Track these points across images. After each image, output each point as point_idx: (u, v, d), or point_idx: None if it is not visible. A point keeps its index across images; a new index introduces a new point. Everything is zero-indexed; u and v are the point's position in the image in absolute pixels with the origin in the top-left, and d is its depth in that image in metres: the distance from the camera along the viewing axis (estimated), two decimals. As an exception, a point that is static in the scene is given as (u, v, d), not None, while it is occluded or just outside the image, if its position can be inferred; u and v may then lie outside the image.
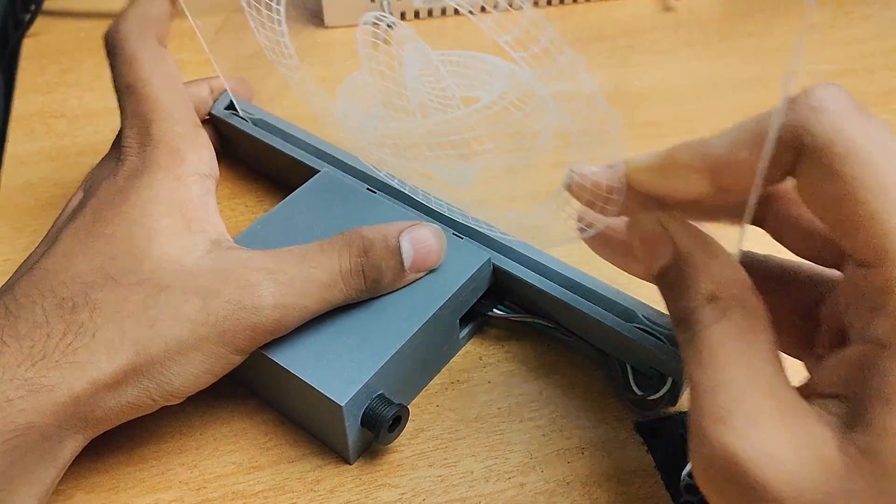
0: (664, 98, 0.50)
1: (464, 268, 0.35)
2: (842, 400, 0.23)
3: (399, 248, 0.32)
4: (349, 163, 0.40)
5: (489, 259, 0.35)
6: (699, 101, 0.50)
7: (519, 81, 0.34)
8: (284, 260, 0.31)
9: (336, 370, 0.31)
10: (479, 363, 0.36)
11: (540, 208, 0.32)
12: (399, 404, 0.32)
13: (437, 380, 0.36)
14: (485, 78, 0.36)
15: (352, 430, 0.31)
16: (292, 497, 0.32)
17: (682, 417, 0.34)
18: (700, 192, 0.26)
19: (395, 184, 0.38)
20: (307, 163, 0.41)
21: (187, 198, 0.32)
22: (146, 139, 0.33)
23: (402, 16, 0.56)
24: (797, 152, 0.23)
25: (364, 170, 0.39)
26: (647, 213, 0.27)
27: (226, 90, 0.44)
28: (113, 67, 0.35)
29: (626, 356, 0.34)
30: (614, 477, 0.32)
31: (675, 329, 0.26)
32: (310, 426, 0.34)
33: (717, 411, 0.23)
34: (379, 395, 0.32)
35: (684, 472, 0.33)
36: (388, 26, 0.36)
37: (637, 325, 0.33)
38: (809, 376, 0.26)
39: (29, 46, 0.55)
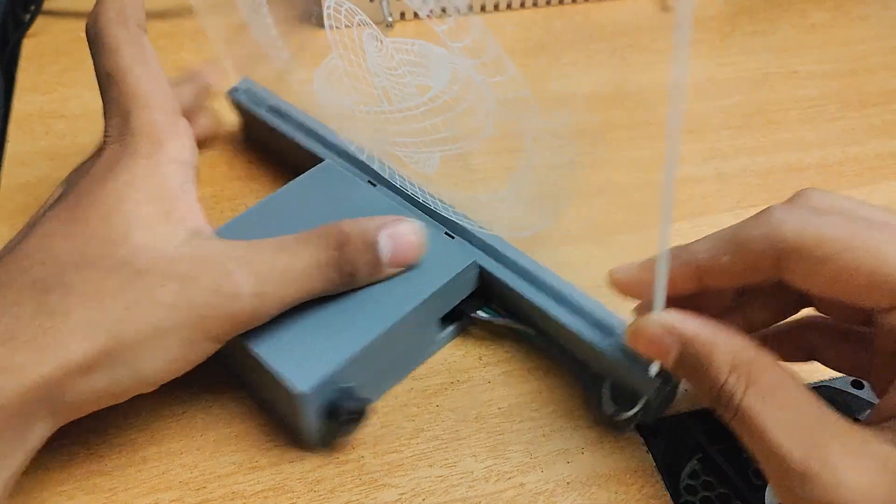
0: (665, 97, 0.50)
1: (447, 268, 0.35)
2: None
3: (377, 243, 0.32)
4: (355, 155, 0.40)
5: (475, 261, 0.35)
6: (700, 101, 0.50)
7: (459, 72, 0.34)
8: (263, 250, 0.31)
9: (302, 359, 0.32)
10: (479, 363, 0.36)
11: (497, 194, 0.32)
12: (363, 399, 0.32)
13: (436, 379, 0.36)
14: (433, 67, 0.36)
15: (313, 420, 0.32)
16: (292, 497, 0.32)
17: (682, 417, 0.34)
18: (687, 292, 0.29)
19: (396, 181, 0.38)
20: (314, 151, 0.41)
21: (166, 186, 0.32)
22: (125, 128, 0.33)
23: (402, 16, 0.56)
24: (777, 257, 0.27)
25: (368, 162, 0.39)
26: (641, 320, 0.29)
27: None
28: (94, 57, 0.34)
29: (602, 370, 0.33)
30: (614, 477, 0.32)
31: (717, 411, 0.27)
32: (276, 413, 0.34)
33: (795, 473, 0.25)
34: (344, 387, 0.32)
35: (684, 473, 0.33)
36: (348, 10, 0.36)
37: (615, 341, 0.32)
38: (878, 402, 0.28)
39: (29, 46, 0.55)
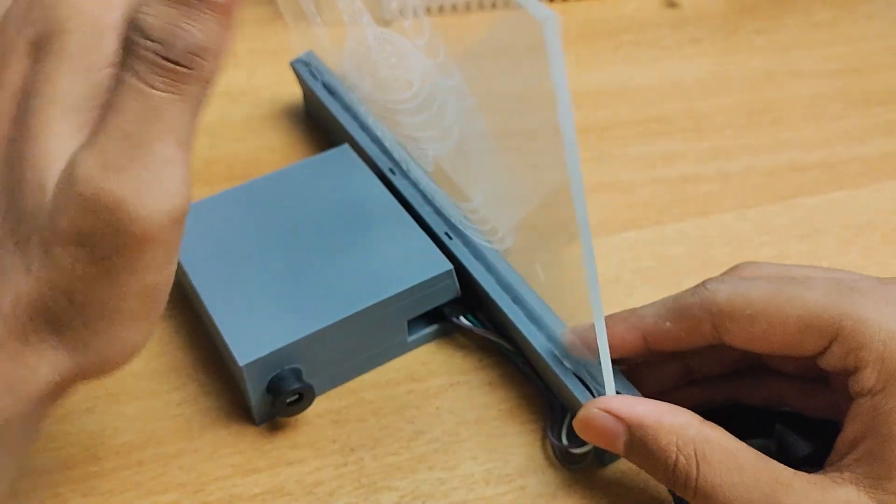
0: (669, 94, 0.50)
1: (418, 272, 0.34)
2: (861, 458, 0.26)
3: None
4: (382, 140, 0.40)
5: (451, 270, 0.35)
6: (704, 98, 0.50)
7: (426, 71, 0.34)
8: (128, 158, 0.22)
9: (253, 332, 0.32)
10: (479, 364, 0.36)
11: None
12: (307, 384, 0.32)
13: (436, 381, 0.35)
14: (411, 63, 0.36)
15: (255, 393, 0.32)
16: (291, 500, 0.32)
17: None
18: (634, 354, 0.31)
19: (410, 173, 0.39)
20: (351, 133, 0.41)
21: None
22: None
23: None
24: (713, 322, 0.29)
25: (391, 150, 0.39)
26: (585, 409, 0.30)
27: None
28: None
29: (562, 398, 0.33)
30: (614, 478, 0.32)
31: (676, 492, 0.28)
32: (232, 378, 0.35)
33: None
34: (291, 368, 0.32)
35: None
36: None
37: (576, 372, 0.31)
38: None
39: (28, 44, 0.54)
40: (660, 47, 0.53)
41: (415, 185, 0.38)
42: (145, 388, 0.35)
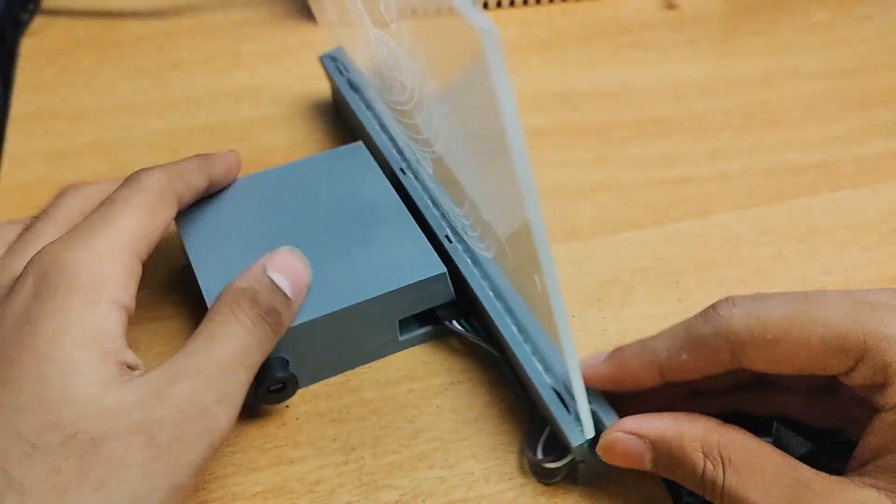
0: (668, 96, 0.50)
1: (411, 273, 0.34)
2: (883, 468, 0.26)
3: (274, 283, 0.31)
4: (396, 139, 0.40)
5: (444, 273, 0.35)
6: (703, 99, 0.50)
7: (414, 74, 0.34)
8: (198, 353, 0.29)
9: None
10: (480, 364, 0.36)
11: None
12: (290, 374, 0.33)
13: (437, 380, 0.36)
14: (403, 65, 0.36)
15: None
16: (292, 498, 0.32)
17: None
18: (650, 386, 0.30)
19: (420, 174, 0.39)
20: (368, 130, 0.42)
21: (104, 327, 0.28)
22: (76, 251, 0.30)
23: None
24: (731, 350, 0.28)
25: (403, 148, 0.40)
26: (605, 435, 0.30)
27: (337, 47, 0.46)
28: (119, 187, 0.33)
29: (541, 411, 0.32)
30: (615, 478, 0.32)
31: (706, 498, 0.28)
32: None
33: None
34: (276, 357, 0.33)
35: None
36: None
37: (555, 387, 0.31)
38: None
39: (27, 46, 0.54)
40: (658, 49, 0.54)
41: (423, 185, 0.38)
42: (146, 388, 0.35)
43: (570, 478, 0.32)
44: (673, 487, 0.32)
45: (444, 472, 0.33)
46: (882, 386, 0.26)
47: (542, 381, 0.32)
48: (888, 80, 0.51)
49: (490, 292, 0.34)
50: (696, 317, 0.29)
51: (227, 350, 0.29)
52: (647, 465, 0.29)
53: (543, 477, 0.32)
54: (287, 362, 0.33)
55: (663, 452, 0.29)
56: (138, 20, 0.56)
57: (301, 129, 0.48)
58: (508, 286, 0.34)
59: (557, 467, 0.31)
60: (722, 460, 0.27)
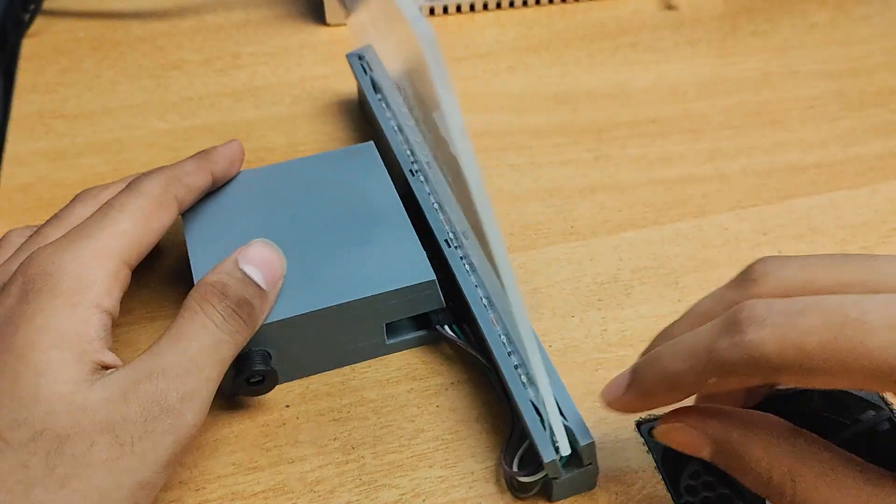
0: (667, 96, 0.50)
1: (399, 277, 0.34)
2: None
3: (247, 274, 0.31)
4: (410, 137, 0.41)
5: (433, 280, 0.35)
6: (702, 99, 0.50)
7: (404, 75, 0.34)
8: (164, 352, 0.29)
9: None
10: (480, 363, 0.36)
11: None
12: (270, 367, 0.33)
13: (437, 380, 0.36)
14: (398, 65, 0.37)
15: None
16: (292, 498, 0.32)
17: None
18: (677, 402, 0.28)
19: (429, 175, 0.39)
20: (384, 130, 0.42)
21: (82, 330, 0.29)
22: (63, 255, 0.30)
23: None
24: (764, 376, 0.25)
25: (420, 157, 0.40)
26: (665, 423, 0.28)
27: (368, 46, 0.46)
28: (118, 193, 0.33)
29: (521, 422, 0.32)
30: (614, 477, 0.32)
31: (770, 500, 0.27)
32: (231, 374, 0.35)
33: None
34: (258, 350, 0.33)
35: (685, 473, 0.32)
36: None
37: (536, 404, 0.31)
38: None
39: (28, 46, 0.55)
40: (657, 49, 0.54)
41: (432, 188, 0.38)
42: (147, 387, 0.35)
43: (545, 494, 0.32)
44: (674, 487, 0.32)
45: (444, 472, 0.33)
46: None
47: (522, 395, 0.31)
48: (887, 80, 0.51)
49: (483, 300, 0.34)
50: (719, 335, 0.25)
51: (194, 347, 0.29)
52: (706, 457, 0.28)
53: (517, 490, 0.32)
54: (269, 356, 0.33)
55: (726, 454, 0.27)
56: (139, 21, 0.56)
57: (301, 129, 0.48)
58: (502, 299, 0.34)
59: (531, 482, 0.31)
60: (792, 472, 0.26)
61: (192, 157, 0.37)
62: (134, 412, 0.27)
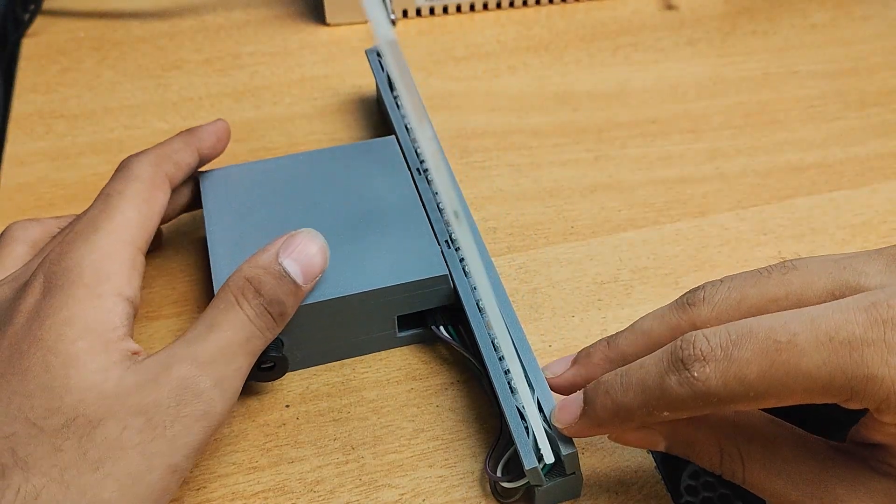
0: (667, 96, 0.50)
1: (412, 271, 0.35)
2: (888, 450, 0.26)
3: (285, 270, 0.32)
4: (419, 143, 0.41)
5: (446, 275, 0.35)
6: (702, 99, 0.50)
7: None
8: (197, 340, 0.30)
9: None
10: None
11: None
12: (281, 354, 0.33)
13: (437, 379, 0.36)
14: None
15: None
16: (292, 498, 0.32)
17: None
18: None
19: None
20: (395, 127, 0.42)
21: (107, 320, 0.29)
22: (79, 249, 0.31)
23: (405, 13, 0.56)
24: (715, 408, 0.26)
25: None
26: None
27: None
28: (112, 179, 0.34)
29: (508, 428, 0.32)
30: (614, 477, 0.32)
31: (729, 480, 0.29)
32: None
33: None
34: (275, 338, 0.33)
35: (685, 473, 0.32)
36: None
37: (521, 409, 0.31)
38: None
39: (28, 46, 0.55)
40: (657, 49, 0.54)
41: (434, 189, 0.39)
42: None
43: (528, 501, 0.32)
44: (674, 487, 0.32)
45: (444, 472, 0.33)
46: (877, 411, 0.25)
47: (508, 400, 0.32)
48: (887, 79, 0.51)
49: (478, 304, 0.35)
50: (666, 371, 0.26)
51: (227, 337, 0.30)
52: (662, 449, 0.29)
53: (500, 496, 0.32)
54: (282, 343, 0.34)
55: (680, 444, 0.29)
56: (139, 21, 0.56)
57: (301, 129, 0.48)
58: (494, 305, 0.34)
59: (513, 488, 0.31)
60: (741, 452, 0.27)
61: (177, 135, 0.37)
62: (166, 396, 0.28)
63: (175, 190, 0.36)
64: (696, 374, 0.25)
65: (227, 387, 0.29)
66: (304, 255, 0.32)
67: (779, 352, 0.24)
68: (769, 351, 0.25)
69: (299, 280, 0.32)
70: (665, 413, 0.26)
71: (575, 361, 0.32)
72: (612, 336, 0.31)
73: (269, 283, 0.31)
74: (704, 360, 0.25)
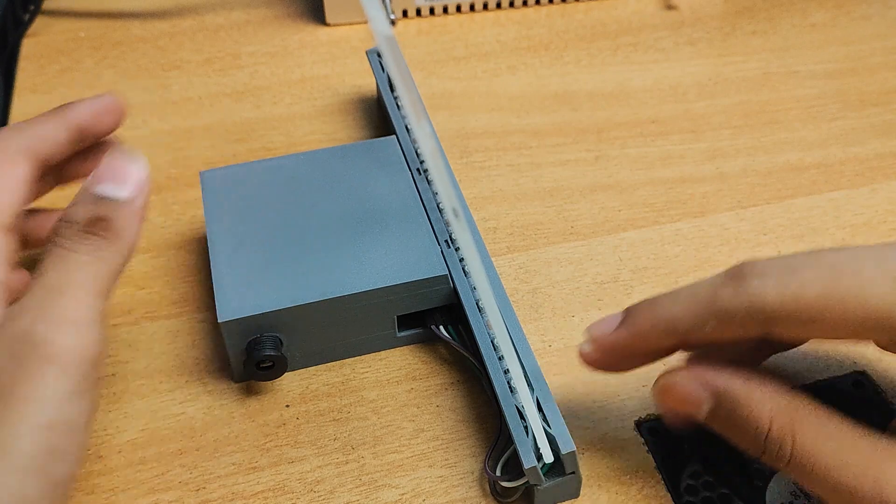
0: (667, 96, 0.50)
1: (412, 270, 0.35)
2: None
3: (98, 194, 0.29)
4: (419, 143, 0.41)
5: (445, 275, 0.35)
6: (702, 99, 0.50)
7: None
8: (30, 291, 0.27)
9: (245, 293, 0.33)
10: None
11: None
12: (280, 354, 0.33)
13: (437, 380, 0.36)
14: None
15: (233, 351, 0.34)
16: (292, 498, 0.32)
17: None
18: (665, 352, 0.29)
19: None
20: (395, 128, 0.42)
21: None
22: None
23: (405, 13, 0.56)
24: (762, 326, 0.26)
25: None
26: (669, 375, 0.28)
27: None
28: None
29: (507, 427, 0.32)
30: (614, 477, 0.32)
31: (762, 459, 0.27)
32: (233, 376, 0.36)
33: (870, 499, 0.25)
34: (273, 335, 0.33)
35: (685, 473, 0.32)
36: None
37: (520, 409, 0.31)
38: None
39: (28, 46, 0.55)
40: (657, 49, 0.54)
41: (434, 189, 0.39)
42: (148, 388, 0.35)
43: (528, 501, 0.32)
44: (674, 487, 0.32)
45: (444, 472, 0.33)
46: None
47: (508, 400, 0.31)
48: (887, 79, 0.51)
49: (478, 303, 0.35)
50: (721, 284, 0.26)
51: (50, 278, 0.27)
52: (702, 414, 0.28)
53: (500, 495, 0.32)
54: (281, 342, 0.34)
55: (726, 407, 0.27)
56: (139, 20, 0.56)
57: (301, 129, 0.48)
58: (492, 307, 0.34)
59: (512, 487, 0.31)
60: (793, 426, 0.26)
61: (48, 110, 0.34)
62: (4, 350, 0.26)
63: (66, 162, 0.34)
64: (753, 287, 0.25)
65: (70, 318, 0.27)
66: (113, 173, 0.29)
67: (842, 277, 0.25)
68: (833, 275, 0.25)
69: (119, 195, 0.29)
70: (710, 325, 0.26)
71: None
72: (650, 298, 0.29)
73: (80, 211, 0.29)
74: (764, 275, 0.26)
